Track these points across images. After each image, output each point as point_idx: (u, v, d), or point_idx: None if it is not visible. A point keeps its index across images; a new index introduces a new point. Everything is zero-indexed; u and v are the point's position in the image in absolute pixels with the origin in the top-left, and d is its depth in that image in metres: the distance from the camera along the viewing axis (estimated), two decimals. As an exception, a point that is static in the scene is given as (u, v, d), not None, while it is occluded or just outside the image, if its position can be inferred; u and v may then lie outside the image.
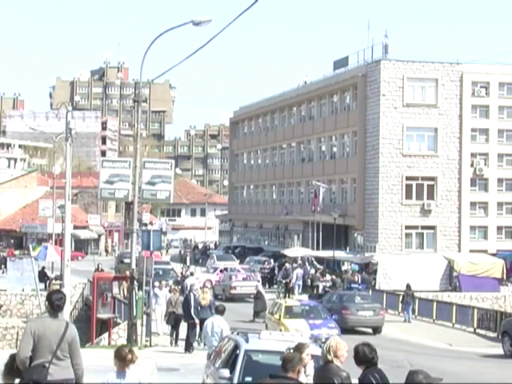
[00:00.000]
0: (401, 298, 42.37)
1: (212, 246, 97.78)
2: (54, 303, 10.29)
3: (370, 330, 35.46)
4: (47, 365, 10.00)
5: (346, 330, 32.73)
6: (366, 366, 9.51)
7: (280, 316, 30.47)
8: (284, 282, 50.72)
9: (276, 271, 56.71)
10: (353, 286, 43.79)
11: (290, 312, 30.82)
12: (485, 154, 65.52)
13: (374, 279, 52.32)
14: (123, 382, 10.09)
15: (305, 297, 33.11)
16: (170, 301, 30.36)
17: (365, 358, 9.49)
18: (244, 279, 49.33)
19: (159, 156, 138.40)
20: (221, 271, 53.34)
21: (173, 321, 29.76)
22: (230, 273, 51.88)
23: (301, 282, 51.18)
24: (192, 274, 46.52)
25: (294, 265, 55.59)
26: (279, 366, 9.75)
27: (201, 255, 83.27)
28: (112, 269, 61.07)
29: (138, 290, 28.59)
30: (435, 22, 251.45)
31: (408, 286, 42.00)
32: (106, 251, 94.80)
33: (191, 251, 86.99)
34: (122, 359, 10.15)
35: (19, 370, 10.06)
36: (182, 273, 50.29)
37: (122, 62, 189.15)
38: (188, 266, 68.22)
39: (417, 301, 43.10)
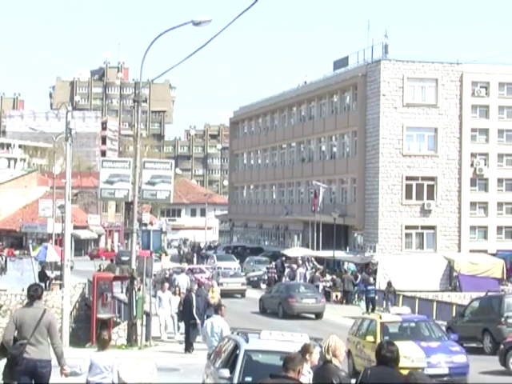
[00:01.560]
0: (382, 295, 43.73)
1: (214, 245, 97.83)
2: (29, 293, 12.33)
3: (313, 316, 40.15)
4: (25, 343, 11.97)
5: (292, 315, 38.71)
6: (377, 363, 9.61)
7: (376, 338, 22.23)
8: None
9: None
10: (369, 288, 43.29)
11: (387, 332, 22.74)
12: (485, 154, 65.51)
13: (374, 279, 52.30)
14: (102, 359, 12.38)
15: (406, 309, 25.28)
16: (181, 301, 30.83)
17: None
18: (232, 276, 51.06)
19: (159, 156, 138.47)
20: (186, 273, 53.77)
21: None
22: (218, 270, 53.92)
23: (302, 281, 51.49)
24: (182, 270, 46.64)
25: (294, 265, 55.64)
26: (279, 365, 9.77)
27: (193, 254, 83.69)
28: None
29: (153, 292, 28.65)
30: (435, 22, 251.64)
31: (389, 284, 43.62)
32: (112, 251, 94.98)
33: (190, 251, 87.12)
34: (103, 342, 12.43)
35: (5, 349, 12.15)
36: (169, 271, 50.23)
37: (121, 62, 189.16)
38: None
39: (417, 301, 43.14)
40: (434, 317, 40.41)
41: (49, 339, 12.10)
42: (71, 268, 67.52)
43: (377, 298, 43.65)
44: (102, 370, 12.34)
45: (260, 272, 58.15)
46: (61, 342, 12.61)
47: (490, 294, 33.79)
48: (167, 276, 46.76)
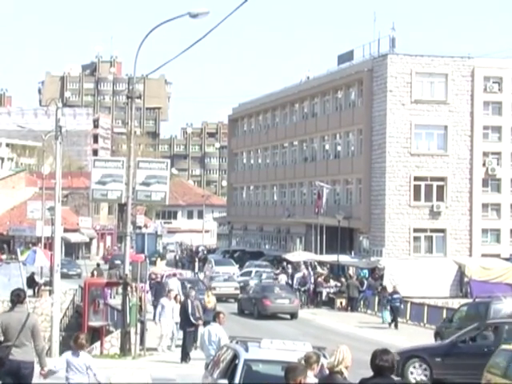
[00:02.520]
0: (377, 299, 45.29)
1: (212, 249, 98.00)
2: (11, 298, 13.59)
3: (288, 316, 43.57)
4: (10, 346, 13.10)
5: (267, 316, 42.16)
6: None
7: None
8: (302, 290, 50.01)
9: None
10: (395, 296, 42.83)
11: None
12: (497, 153, 65.49)
13: (381, 285, 52.32)
14: (77, 360, 13.61)
15: None
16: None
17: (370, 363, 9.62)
18: (225, 280, 52.88)
19: (154, 155, 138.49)
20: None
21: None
22: (210, 274, 56.28)
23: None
24: (175, 274, 46.80)
25: (305, 271, 55.82)
26: (281, 376, 9.81)
27: (188, 259, 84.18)
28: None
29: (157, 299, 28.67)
30: (445, 14, 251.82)
31: (384, 288, 44.87)
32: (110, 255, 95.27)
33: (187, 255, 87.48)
34: (79, 344, 13.69)
35: None
36: (155, 275, 50.33)
37: (114, 56, 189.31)
38: (196, 273, 68.38)
39: (425, 308, 43.16)
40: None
41: (32, 341, 13.38)
42: (79, 275, 67.62)
43: (403, 307, 42.98)
44: (77, 370, 13.57)
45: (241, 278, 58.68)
46: (44, 343, 14.19)
47: (477, 299, 34.25)
48: (158, 280, 47.02)
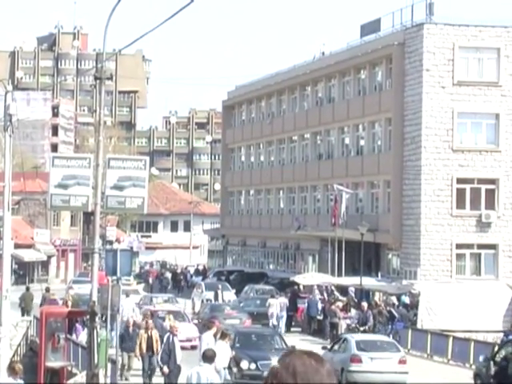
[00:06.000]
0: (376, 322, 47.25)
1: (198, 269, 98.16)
2: None
3: None
4: None
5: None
6: None
7: None
8: (362, 329, 47.78)
9: (277, 308, 56.26)
10: (510, 337, 42.29)
11: None
12: (562, 149, 65.54)
13: (415, 315, 52.33)
14: None
15: None
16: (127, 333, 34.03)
17: None
18: (165, 301, 55.92)
19: (129, 151, 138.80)
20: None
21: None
22: (150, 294, 60.65)
23: (284, 314, 53.90)
24: (128, 295, 47.07)
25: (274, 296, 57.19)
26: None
27: (172, 281, 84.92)
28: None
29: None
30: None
31: (378, 307, 47.22)
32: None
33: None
34: (16, 370, 16.99)
35: None
36: None
37: (79, 27, 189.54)
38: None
39: (472, 344, 43.11)
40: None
41: None
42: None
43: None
44: None
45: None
46: None
47: None
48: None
